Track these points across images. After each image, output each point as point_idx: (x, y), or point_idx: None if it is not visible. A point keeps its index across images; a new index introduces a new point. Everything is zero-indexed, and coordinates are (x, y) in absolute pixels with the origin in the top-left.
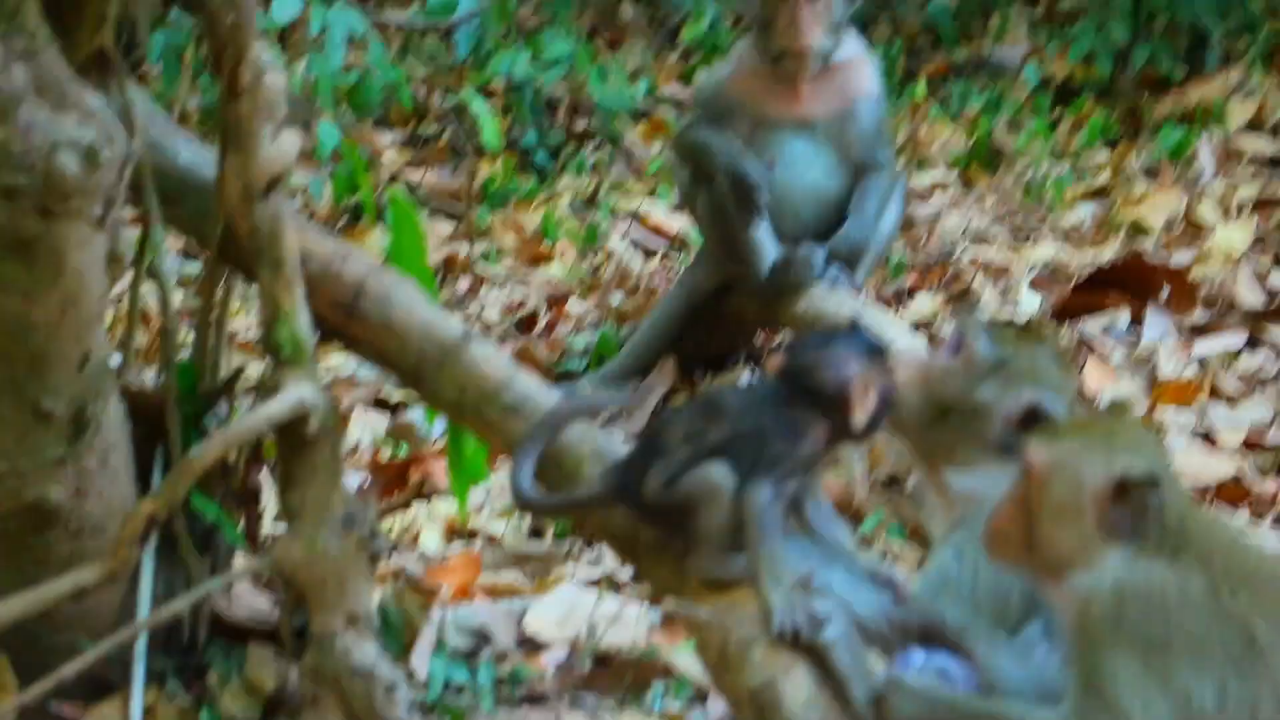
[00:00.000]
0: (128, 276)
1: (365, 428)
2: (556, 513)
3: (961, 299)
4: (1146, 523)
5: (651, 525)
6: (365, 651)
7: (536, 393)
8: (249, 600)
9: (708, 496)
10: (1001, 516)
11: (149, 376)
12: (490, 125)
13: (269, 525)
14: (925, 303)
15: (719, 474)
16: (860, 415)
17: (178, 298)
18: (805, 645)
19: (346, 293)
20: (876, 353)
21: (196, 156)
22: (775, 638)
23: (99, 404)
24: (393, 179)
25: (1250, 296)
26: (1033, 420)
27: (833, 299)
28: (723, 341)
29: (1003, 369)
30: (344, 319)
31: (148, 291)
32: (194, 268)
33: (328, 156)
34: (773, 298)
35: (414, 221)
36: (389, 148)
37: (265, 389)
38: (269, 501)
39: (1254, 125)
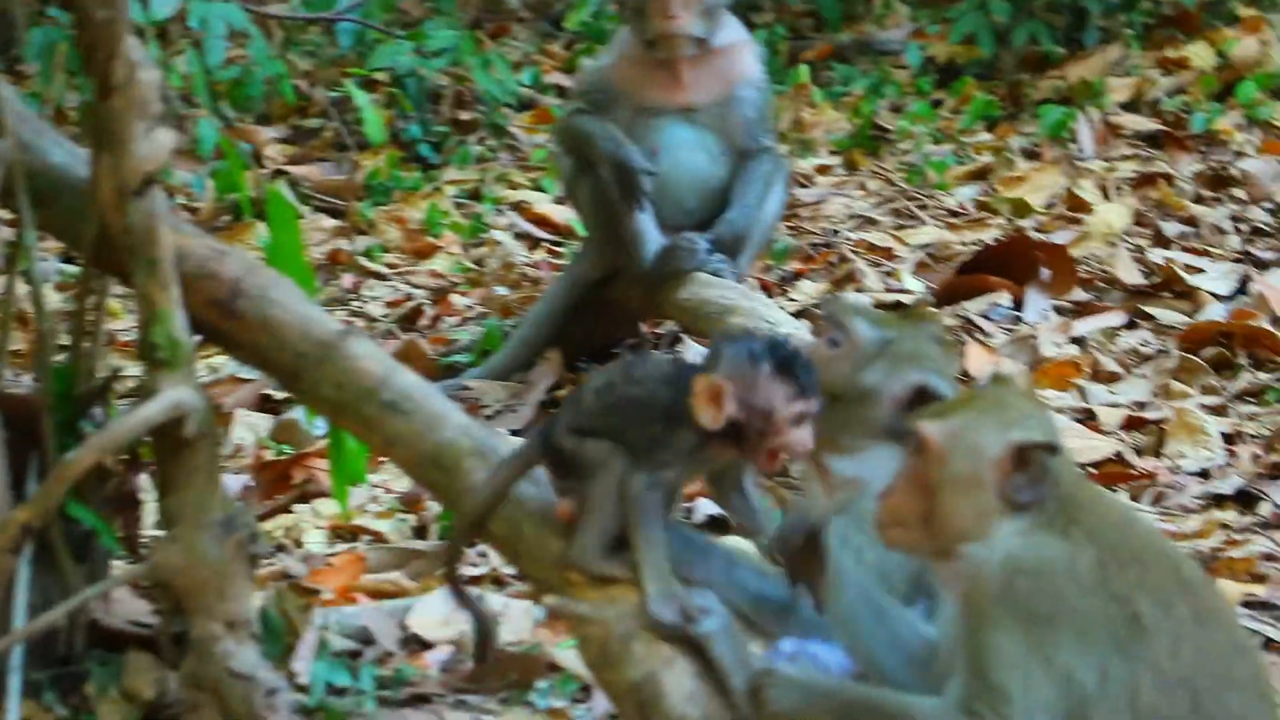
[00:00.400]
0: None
1: (248, 428)
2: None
3: (845, 284)
4: (1044, 490)
5: (559, 479)
6: (245, 656)
7: (415, 389)
8: (127, 607)
9: (604, 467)
10: (894, 497)
11: (25, 382)
12: (373, 118)
13: (148, 530)
14: (810, 288)
15: (617, 459)
16: (703, 414)
17: (55, 300)
18: (684, 638)
19: (224, 291)
20: (758, 365)
21: (70, 156)
22: (653, 631)
23: None
24: (276, 174)
25: (1129, 275)
26: (920, 401)
27: (716, 287)
28: (608, 332)
29: (887, 352)
30: (221, 318)
31: (22, 295)
32: (73, 270)
33: (209, 153)
34: (656, 286)
35: (292, 217)
36: (271, 143)
37: (142, 392)
38: (148, 506)
39: (1132, 103)
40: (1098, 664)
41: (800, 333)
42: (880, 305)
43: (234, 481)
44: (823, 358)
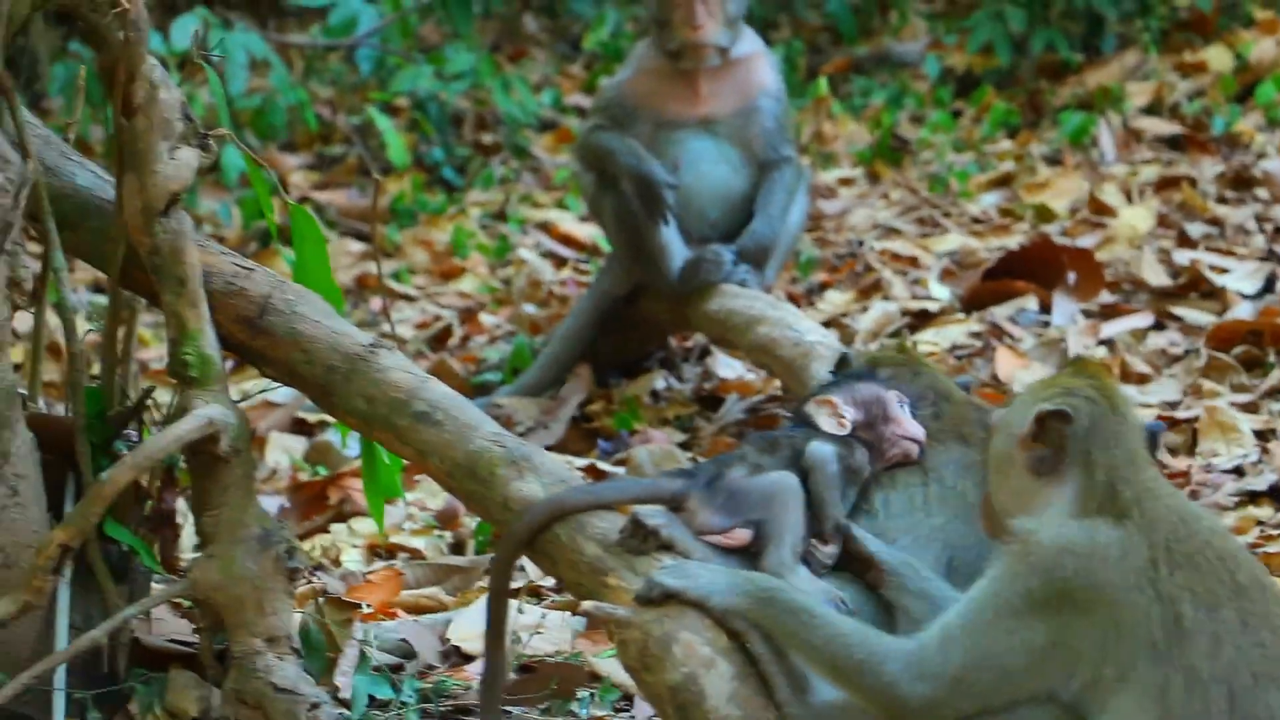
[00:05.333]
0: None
1: (282, 451)
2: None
3: (872, 293)
4: (1065, 457)
5: (714, 508)
6: (287, 671)
7: (446, 399)
8: (168, 625)
9: (783, 494)
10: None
11: (59, 410)
12: (396, 142)
13: (187, 550)
14: (837, 297)
15: (792, 481)
16: (828, 423)
17: (84, 327)
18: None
19: (252, 308)
20: (850, 378)
21: (96, 179)
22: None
23: (6, 433)
24: (301, 201)
25: (1155, 277)
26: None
27: (744, 298)
28: (636, 346)
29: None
30: (250, 335)
31: (54, 326)
32: (102, 301)
33: (234, 182)
34: (684, 299)
35: (317, 233)
36: (295, 170)
37: (175, 410)
38: (187, 526)
39: (1152, 108)
40: (1125, 657)
41: (827, 340)
42: (907, 313)
43: (270, 503)
44: None
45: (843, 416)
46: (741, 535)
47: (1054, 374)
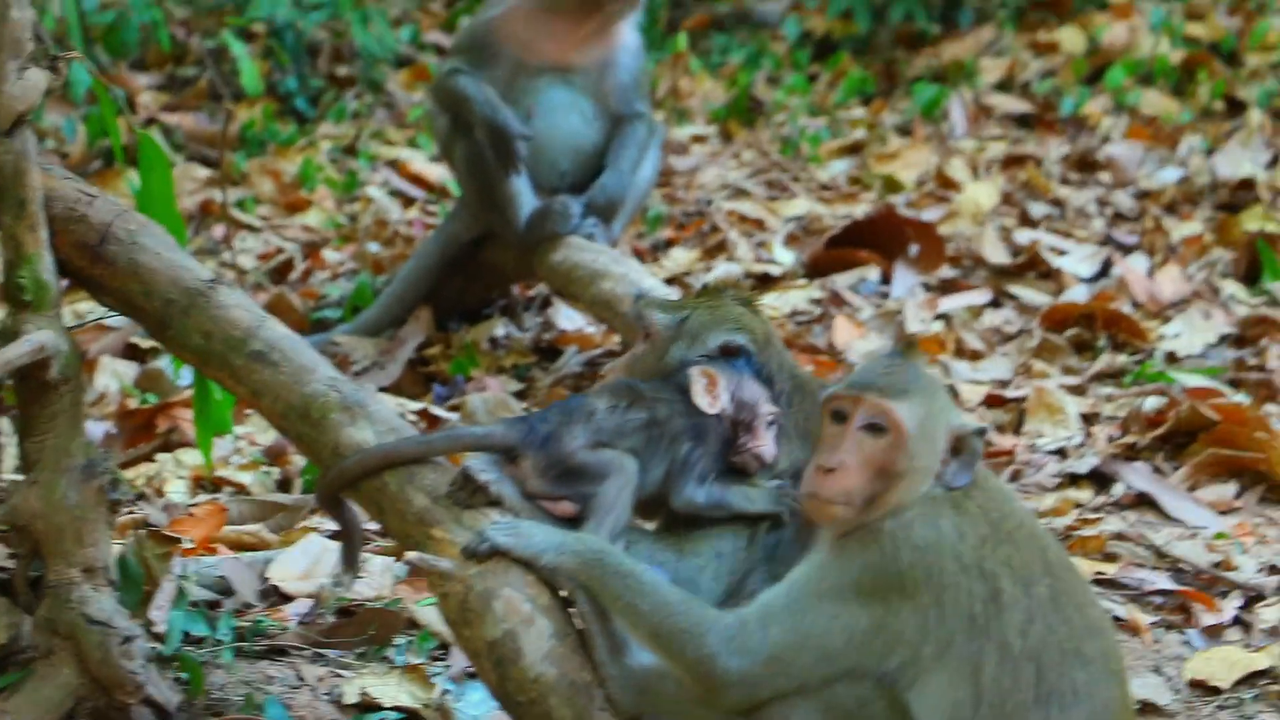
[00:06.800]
0: None
1: (113, 375)
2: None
3: (716, 253)
4: (973, 469)
5: (548, 478)
6: (102, 603)
7: (285, 340)
8: None
9: (616, 476)
10: (850, 477)
11: None
12: (250, 69)
13: (7, 473)
14: (682, 255)
15: (629, 466)
16: (702, 398)
17: None
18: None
19: (93, 235)
20: (741, 369)
21: None
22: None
23: None
24: (149, 122)
25: (995, 254)
26: (732, 355)
27: (589, 251)
28: (478, 292)
29: (683, 331)
30: (89, 263)
31: None
32: None
33: (81, 98)
34: (530, 249)
35: (164, 164)
36: (145, 90)
37: (5, 333)
38: (8, 449)
39: (1004, 84)
40: (944, 635)
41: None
42: (750, 275)
43: (97, 429)
44: (638, 356)
45: (716, 398)
46: (567, 508)
47: (907, 361)
